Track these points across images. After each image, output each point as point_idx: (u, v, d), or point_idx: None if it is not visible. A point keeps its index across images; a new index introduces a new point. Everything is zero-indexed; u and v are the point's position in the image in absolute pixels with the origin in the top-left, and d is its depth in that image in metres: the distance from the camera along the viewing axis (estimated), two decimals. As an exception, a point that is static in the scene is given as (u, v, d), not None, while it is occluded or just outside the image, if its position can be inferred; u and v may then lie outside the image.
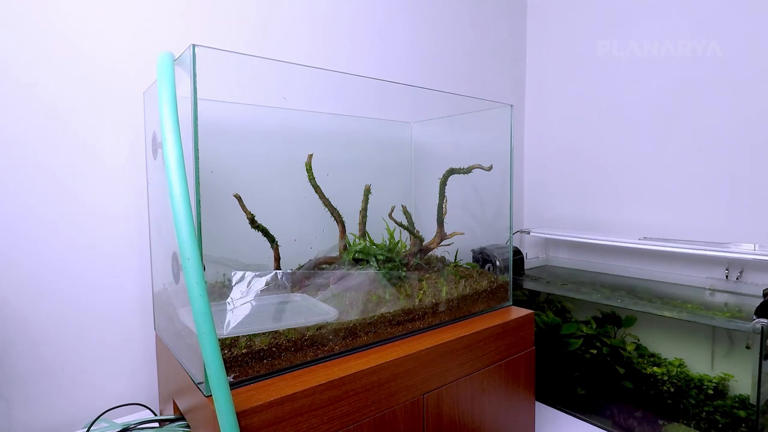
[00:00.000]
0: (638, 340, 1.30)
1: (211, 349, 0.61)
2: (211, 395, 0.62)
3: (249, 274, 0.89)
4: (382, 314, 0.92)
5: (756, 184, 1.32)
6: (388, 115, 1.40)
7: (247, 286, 0.86)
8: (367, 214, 1.14)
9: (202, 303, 0.61)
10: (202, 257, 0.67)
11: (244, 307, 0.82)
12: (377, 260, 1.06)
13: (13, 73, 0.88)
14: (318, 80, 1.18)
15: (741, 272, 1.34)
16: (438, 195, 1.16)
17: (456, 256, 1.28)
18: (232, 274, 0.86)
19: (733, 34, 1.35)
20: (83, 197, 0.96)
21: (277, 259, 0.97)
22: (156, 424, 0.85)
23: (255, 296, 0.89)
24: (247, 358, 0.73)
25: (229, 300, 0.81)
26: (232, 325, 0.74)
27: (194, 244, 0.62)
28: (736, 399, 1.10)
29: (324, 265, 1.04)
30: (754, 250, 1.22)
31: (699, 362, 1.19)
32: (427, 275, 1.12)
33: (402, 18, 1.49)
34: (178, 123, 0.65)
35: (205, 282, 0.62)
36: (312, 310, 0.89)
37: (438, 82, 1.61)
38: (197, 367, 0.70)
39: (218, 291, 0.93)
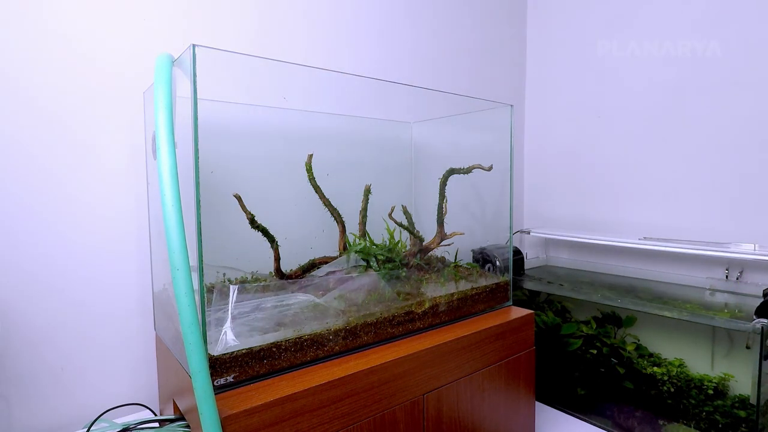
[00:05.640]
0: (638, 340, 1.30)
1: (199, 361, 0.61)
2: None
3: (246, 286, 0.88)
4: (382, 314, 0.92)
5: (756, 184, 1.32)
6: (388, 115, 1.40)
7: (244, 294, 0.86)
8: (367, 214, 1.14)
9: (190, 313, 0.61)
10: (202, 266, 0.67)
11: (248, 319, 0.82)
12: (377, 260, 1.06)
13: (12, 73, 0.88)
14: (318, 80, 1.18)
15: (741, 272, 1.34)
16: (438, 195, 1.16)
17: (456, 256, 1.28)
18: (230, 288, 0.86)
19: (733, 34, 1.35)
20: (83, 197, 0.96)
21: (277, 259, 0.97)
22: (156, 424, 0.85)
23: (258, 301, 0.89)
24: (247, 358, 0.73)
25: (230, 312, 0.81)
26: (231, 341, 0.74)
27: (184, 255, 0.62)
28: (736, 399, 1.10)
29: (320, 264, 1.04)
30: (754, 250, 1.22)
31: (699, 362, 1.19)
32: (427, 275, 1.12)
33: (402, 18, 1.49)
34: (173, 132, 0.65)
35: (194, 291, 0.62)
36: (318, 310, 0.89)
37: (438, 82, 1.61)
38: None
39: (219, 291, 0.93)
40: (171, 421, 0.84)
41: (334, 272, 1.04)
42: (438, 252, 1.24)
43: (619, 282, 1.52)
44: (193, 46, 0.67)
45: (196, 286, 0.66)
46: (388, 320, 0.92)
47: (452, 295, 1.05)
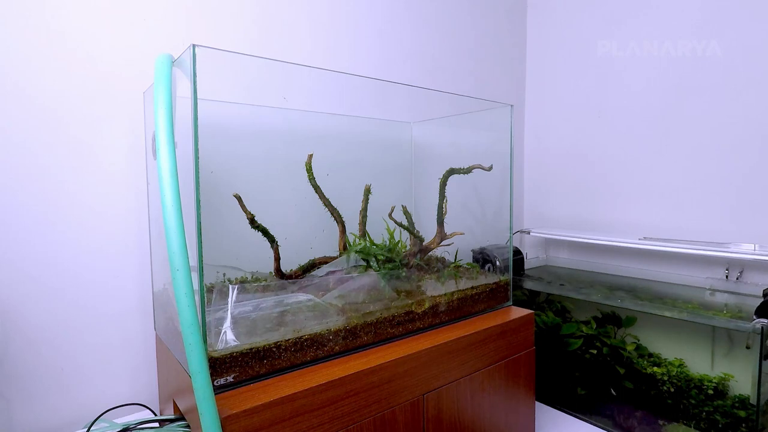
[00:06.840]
0: (638, 340, 1.30)
1: (199, 361, 0.61)
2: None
3: (247, 285, 0.88)
4: (382, 314, 0.92)
5: (756, 184, 1.32)
6: (388, 115, 1.40)
7: (245, 293, 0.86)
8: (367, 214, 1.14)
9: (190, 314, 0.61)
10: (201, 266, 0.67)
11: (248, 319, 0.82)
12: (377, 260, 1.06)
13: (12, 74, 0.88)
14: (318, 80, 1.18)
15: (741, 272, 1.34)
16: (438, 195, 1.16)
17: (456, 256, 1.28)
18: (230, 287, 0.86)
19: (733, 34, 1.35)
20: (83, 198, 0.96)
21: (277, 258, 0.97)
22: (156, 424, 0.85)
23: (258, 301, 0.89)
24: (247, 358, 0.73)
25: (230, 311, 0.81)
26: (231, 341, 0.74)
27: (184, 255, 0.62)
28: (736, 399, 1.10)
29: (320, 264, 1.04)
30: (754, 250, 1.22)
31: (699, 362, 1.19)
32: (427, 275, 1.12)
33: (403, 18, 1.49)
34: (173, 132, 0.65)
35: (194, 292, 0.62)
36: (319, 310, 0.89)
37: (438, 82, 1.61)
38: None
39: (219, 291, 0.93)
40: (171, 421, 0.84)
41: (334, 272, 1.04)
42: (438, 252, 1.24)
43: (619, 282, 1.52)
44: (193, 46, 0.67)
45: (196, 286, 0.66)
46: (388, 320, 0.92)
47: (452, 295, 1.05)
